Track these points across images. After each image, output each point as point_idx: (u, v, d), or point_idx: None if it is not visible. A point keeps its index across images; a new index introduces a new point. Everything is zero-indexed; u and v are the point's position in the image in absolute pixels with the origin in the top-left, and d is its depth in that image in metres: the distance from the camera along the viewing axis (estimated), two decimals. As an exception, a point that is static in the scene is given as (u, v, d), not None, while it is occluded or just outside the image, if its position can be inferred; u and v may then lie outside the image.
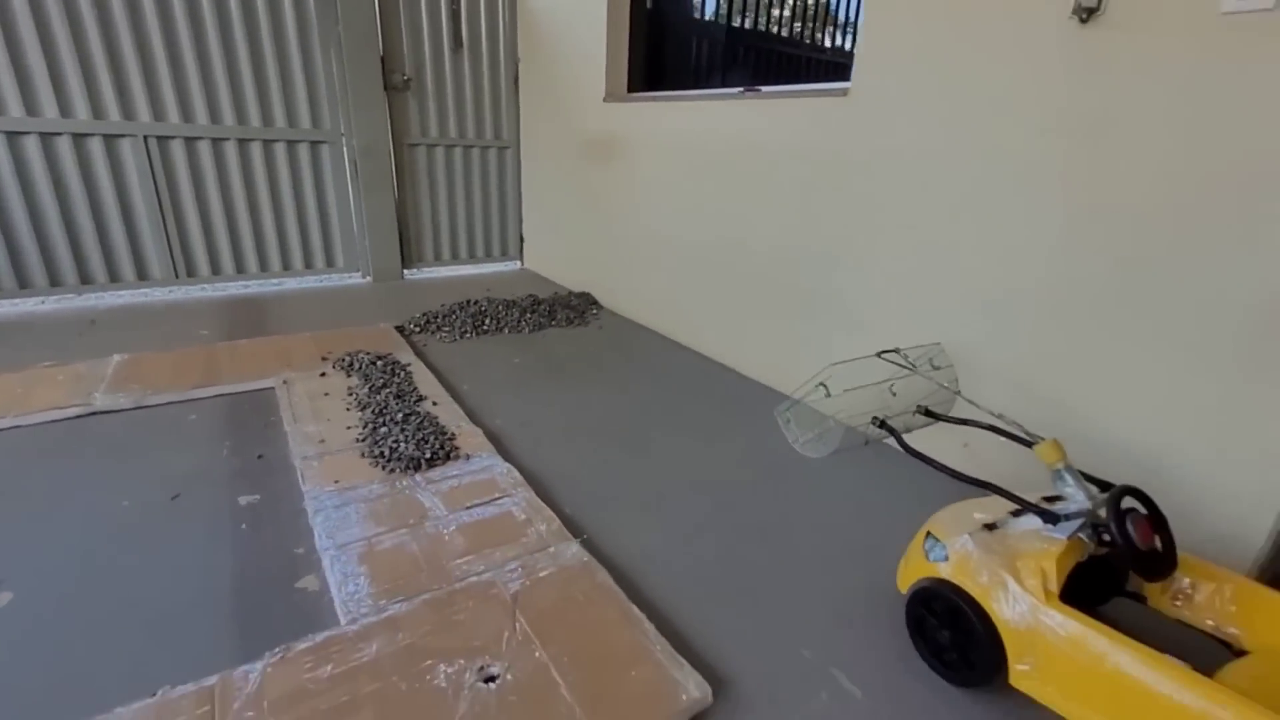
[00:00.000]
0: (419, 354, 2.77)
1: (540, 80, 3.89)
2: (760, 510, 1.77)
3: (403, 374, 2.47)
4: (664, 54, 3.75)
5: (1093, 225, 1.55)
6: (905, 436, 1.42)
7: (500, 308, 3.37)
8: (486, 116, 4.15)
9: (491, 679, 1.14)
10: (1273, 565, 1.41)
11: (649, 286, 3.26)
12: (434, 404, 2.24)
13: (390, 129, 3.82)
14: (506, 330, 3.18)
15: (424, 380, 2.44)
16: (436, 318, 3.21)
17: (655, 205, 3.09)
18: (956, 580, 1.20)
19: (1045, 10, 1.53)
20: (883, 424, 1.48)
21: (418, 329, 3.12)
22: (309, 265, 3.83)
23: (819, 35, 5.22)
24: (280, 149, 3.54)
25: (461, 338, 3.06)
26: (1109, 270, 1.53)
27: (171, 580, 1.41)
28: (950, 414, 1.54)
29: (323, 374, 2.45)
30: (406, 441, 1.92)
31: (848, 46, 5.22)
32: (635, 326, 3.35)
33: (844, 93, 2.08)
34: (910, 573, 1.32)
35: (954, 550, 1.23)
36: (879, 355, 1.57)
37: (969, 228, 1.80)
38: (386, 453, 1.87)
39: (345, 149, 3.70)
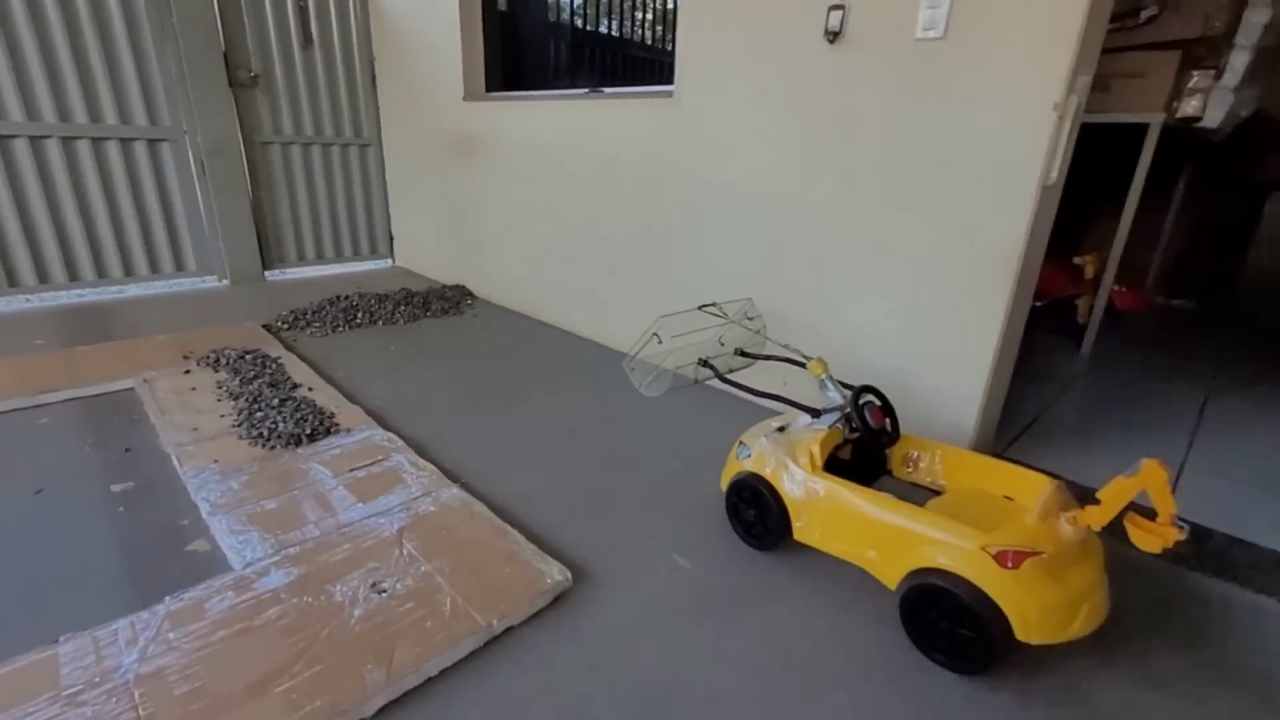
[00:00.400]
0: (289, 348, 2.80)
1: (399, 79, 3.96)
2: (615, 448, 2.08)
3: (274, 366, 2.51)
4: (521, 55, 3.97)
5: (845, 194, 2.00)
6: (728, 375, 1.78)
7: (373, 302, 3.43)
8: (345, 114, 4.13)
9: (382, 590, 1.34)
10: (981, 438, 1.93)
11: (519, 274, 3.48)
12: (310, 390, 2.33)
13: (240, 126, 3.72)
14: (380, 323, 3.27)
15: (297, 370, 2.50)
16: (306, 314, 3.23)
17: (519, 197, 3.32)
18: (756, 470, 1.56)
19: (807, 32, 1.96)
20: (706, 363, 1.83)
21: (286, 326, 3.12)
22: (155, 269, 3.64)
23: (669, 38, 5.68)
24: (113, 147, 3.35)
25: (334, 332, 3.10)
26: (855, 227, 1.99)
27: (55, 554, 1.45)
28: (761, 354, 1.92)
29: (187, 371, 2.44)
30: (285, 421, 2.02)
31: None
32: (508, 313, 3.55)
33: (670, 94, 2.43)
34: (727, 474, 1.68)
35: (755, 449, 1.60)
36: (700, 309, 1.92)
37: (770, 206, 2.22)
38: (265, 433, 1.96)
39: (190, 147, 3.56)
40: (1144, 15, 2.79)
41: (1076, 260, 3.40)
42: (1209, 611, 1.45)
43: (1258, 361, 3.16)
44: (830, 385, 1.62)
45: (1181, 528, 1.12)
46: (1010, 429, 2.22)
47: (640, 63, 5.55)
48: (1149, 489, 1.13)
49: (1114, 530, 1.19)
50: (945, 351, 1.88)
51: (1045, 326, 3.46)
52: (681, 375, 1.83)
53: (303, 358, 2.68)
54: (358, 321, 3.23)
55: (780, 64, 2.06)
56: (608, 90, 2.78)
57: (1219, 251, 5.67)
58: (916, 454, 1.66)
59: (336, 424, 2.07)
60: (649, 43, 5.60)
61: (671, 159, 2.50)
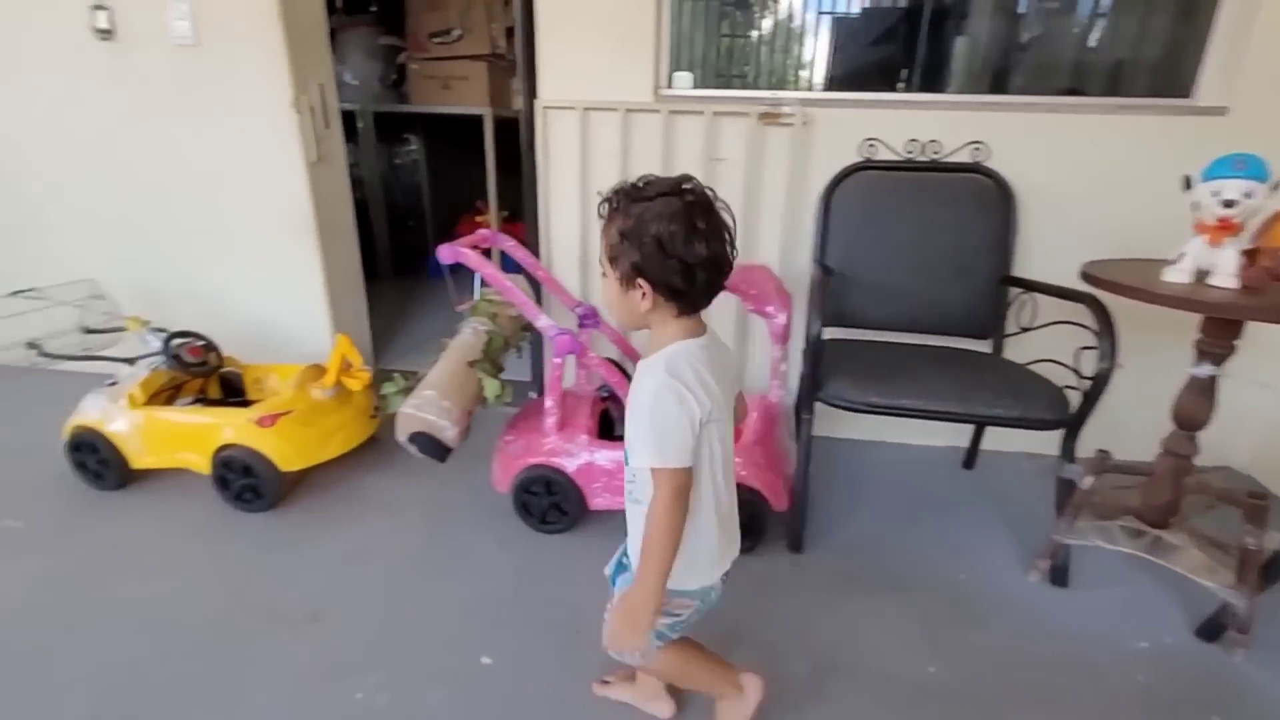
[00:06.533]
0: None
1: None
2: None
3: None
4: None
5: (165, 182, 2.28)
6: (86, 350, 1.88)
7: None
8: None
9: None
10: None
11: None
12: None
13: None
14: None
15: None
16: None
17: None
18: (83, 423, 1.77)
19: (78, 30, 2.09)
20: (33, 345, 1.89)
21: None
22: None
23: None
24: None
25: None
26: (193, 209, 2.30)
27: None
28: (110, 328, 2.07)
29: None
30: None
31: None
32: None
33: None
34: (66, 430, 1.81)
35: (84, 405, 1.80)
36: (15, 294, 1.95)
37: (110, 195, 2.32)
38: None
39: None
40: (454, 34, 3.77)
41: (478, 219, 4.44)
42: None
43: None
44: (149, 336, 1.91)
45: (366, 369, 1.82)
46: (397, 349, 2.91)
47: None
48: (345, 352, 1.80)
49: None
50: (290, 292, 2.36)
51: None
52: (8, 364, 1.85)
53: None
54: None
55: (59, 57, 2.15)
56: None
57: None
58: (261, 378, 2.11)
59: None
60: None
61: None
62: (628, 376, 1.76)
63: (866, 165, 1.90)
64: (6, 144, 2.31)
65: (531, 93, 2.07)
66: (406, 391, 1.61)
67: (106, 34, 2.09)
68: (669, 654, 1.02)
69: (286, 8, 2.02)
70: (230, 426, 1.71)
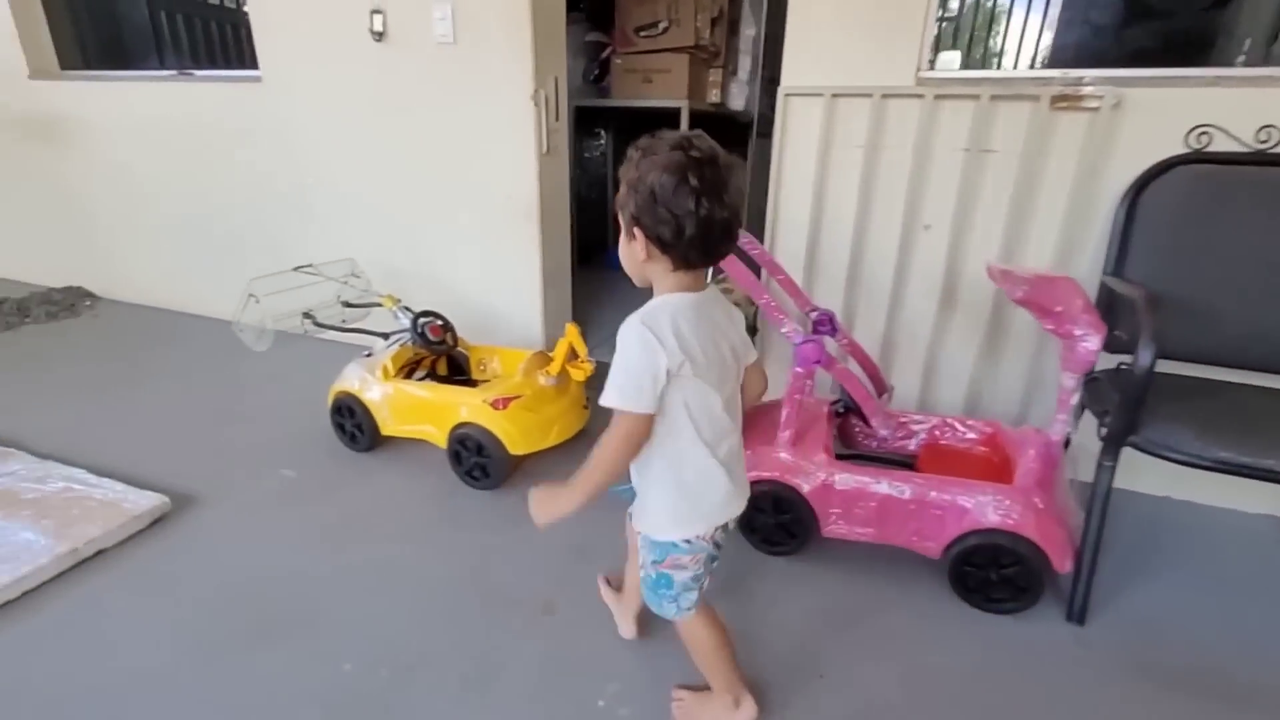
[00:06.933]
0: None
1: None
2: (231, 406, 2.32)
3: None
4: (106, 26, 3.61)
5: (412, 167, 2.46)
6: (344, 322, 2.12)
7: (-62, 314, 2.94)
8: None
9: (-50, 552, 1.42)
10: (549, 338, 2.59)
11: (143, 266, 3.29)
12: None
13: None
14: (-47, 337, 2.84)
15: None
16: None
17: (128, 184, 3.12)
18: (345, 388, 1.95)
19: (360, 32, 2.32)
20: (308, 315, 2.14)
21: None
22: None
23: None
24: None
25: (-120, 353, 2.63)
26: (433, 192, 2.47)
27: None
28: (362, 303, 2.29)
29: None
30: None
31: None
32: (137, 308, 3.34)
33: (258, 79, 2.60)
34: (330, 395, 2.03)
35: (346, 373, 1.99)
36: (296, 270, 2.21)
37: (363, 181, 2.57)
38: None
39: None
40: (661, 26, 3.76)
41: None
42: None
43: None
44: (400, 314, 2.07)
45: (592, 361, 1.81)
46: (592, 338, 2.96)
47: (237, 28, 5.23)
48: (572, 342, 1.80)
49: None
50: (509, 278, 2.47)
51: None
52: (292, 333, 2.11)
53: None
54: (-82, 338, 2.76)
55: (343, 55, 2.40)
56: (198, 73, 2.81)
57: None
58: (485, 359, 2.21)
59: (-115, 437, 1.90)
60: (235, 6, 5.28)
61: (270, 139, 2.68)
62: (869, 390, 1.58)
63: (1195, 158, 1.54)
64: (292, 136, 2.65)
65: (762, 81, 1.93)
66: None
67: (380, 36, 2.30)
68: (700, 627, 1.06)
69: (536, 5, 2.08)
70: (466, 405, 1.79)
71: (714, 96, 4.16)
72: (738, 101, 4.23)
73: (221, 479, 1.84)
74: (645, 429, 0.88)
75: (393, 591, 1.44)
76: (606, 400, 0.87)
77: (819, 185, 1.93)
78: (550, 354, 1.90)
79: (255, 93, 2.63)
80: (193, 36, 4.06)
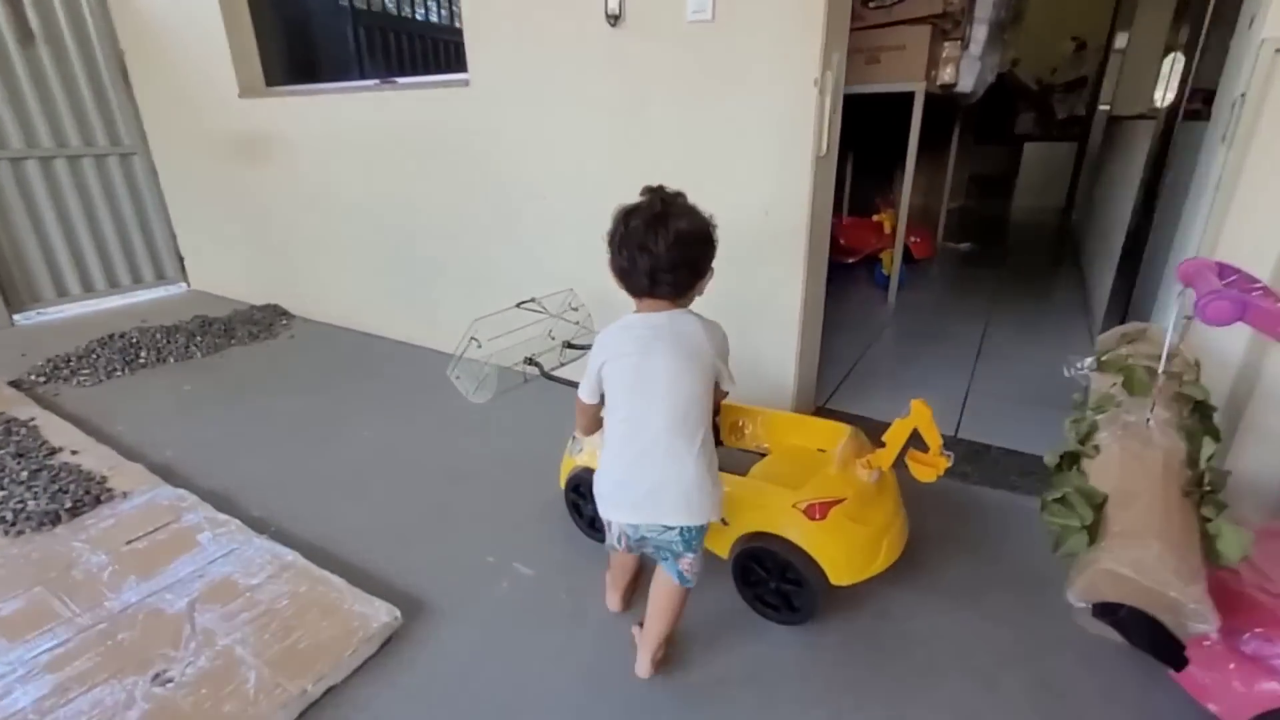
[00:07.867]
0: (47, 406, 2.34)
1: (159, 75, 3.41)
2: (449, 461, 1.98)
3: (24, 430, 2.09)
4: (304, 44, 3.59)
5: (645, 174, 2.02)
6: (559, 370, 1.74)
7: (159, 336, 2.97)
8: (93, 120, 3.50)
9: (168, 681, 1.15)
10: (802, 392, 2.06)
11: (337, 284, 3.18)
12: (73, 453, 1.96)
13: (-58, 143, 3.02)
14: (172, 359, 2.83)
15: (57, 432, 2.10)
16: (69, 361, 2.72)
17: (325, 200, 3.01)
18: (589, 464, 1.54)
19: (589, 14, 1.92)
20: (531, 361, 1.77)
21: (42, 379, 2.60)
22: None
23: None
24: None
25: (109, 378, 2.64)
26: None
27: None
28: (587, 344, 1.90)
29: (-107, 456, 1.96)
30: (36, 497, 1.68)
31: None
32: (332, 329, 3.24)
33: (466, 83, 2.30)
34: (564, 470, 1.64)
35: (586, 443, 1.58)
36: (518, 305, 1.85)
37: (579, 191, 2.18)
38: (9, 516, 1.62)
39: None
40: (899, -7, 3.10)
41: (876, 218, 3.76)
42: (988, 519, 1.66)
43: (1020, 294, 3.70)
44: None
45: (948, 455, 1.25)
46: (830, 380, 2.40)
47: (435, 43, 5.23)
48: (919, 426, 1.25)
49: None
50: (758, 318, 1.98)
51: (859, 280, 3.80)
52: (509, 376, 1.76)
53: (65, 415, 2.25)
54: (141, 361, 2.77)
55: (567, 47, 2.02)
56: (401, 80, 2.58)
57: (990, 197, 6.58)
58: (742, 421, 1.73)
59: (109, 490, 1.75)
60: (438, 20, 5.28)
61: (476, 149, 2.38)
62: None
63: None
64: (499, 144, 2.32)
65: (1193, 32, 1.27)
66: (1086, 527, 0.99)
67: (615, 19, 1.88)
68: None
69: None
70: (765, 509, 1.30)
71: (947, 76, 3.43)
72: (966, 81, 3.49)
73: (448, 569, 1.49)
74: (586, 410, 1.25)
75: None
76: None
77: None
78: (864, 437, 1.37)
79: (462, 97, 2.33)
80: (387, 48, 4.02)
